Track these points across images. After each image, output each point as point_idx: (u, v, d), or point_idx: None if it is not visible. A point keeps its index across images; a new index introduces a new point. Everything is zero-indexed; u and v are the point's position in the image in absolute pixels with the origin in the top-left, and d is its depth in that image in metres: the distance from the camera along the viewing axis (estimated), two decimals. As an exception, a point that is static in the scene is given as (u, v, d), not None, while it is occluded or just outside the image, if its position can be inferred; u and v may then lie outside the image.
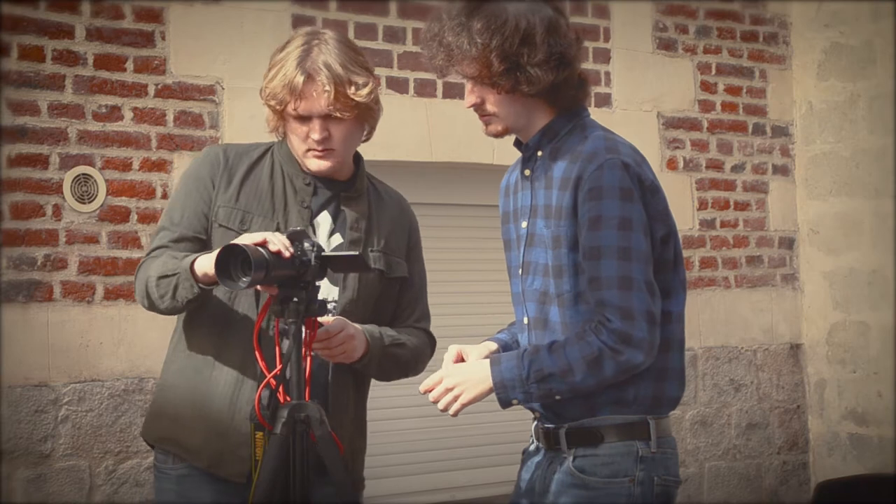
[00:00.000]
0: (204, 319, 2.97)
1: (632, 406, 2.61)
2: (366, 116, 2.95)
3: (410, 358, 3.02)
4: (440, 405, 2.66)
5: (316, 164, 2.93)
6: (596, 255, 2.55)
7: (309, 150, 2.92)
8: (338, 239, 2.98)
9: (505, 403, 2.62)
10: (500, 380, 2.60)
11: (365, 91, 2.88)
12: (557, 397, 2.59)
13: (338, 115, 2.87)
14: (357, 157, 3.07)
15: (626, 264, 2.53)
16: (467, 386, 2.63)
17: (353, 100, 2.87)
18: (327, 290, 2.95)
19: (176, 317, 3.03)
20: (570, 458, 2.61)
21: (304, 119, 2.89)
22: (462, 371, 2.66)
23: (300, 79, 2.85)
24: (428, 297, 3.20)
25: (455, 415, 2.67)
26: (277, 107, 2.90)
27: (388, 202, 3.10)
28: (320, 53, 2.88)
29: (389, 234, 3.05)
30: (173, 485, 2.97)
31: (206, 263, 2.75)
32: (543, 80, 2.60)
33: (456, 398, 2.64)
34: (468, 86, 2.69)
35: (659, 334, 2.56)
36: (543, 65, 2.60)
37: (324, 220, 2.98)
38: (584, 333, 2.54)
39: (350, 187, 3.02)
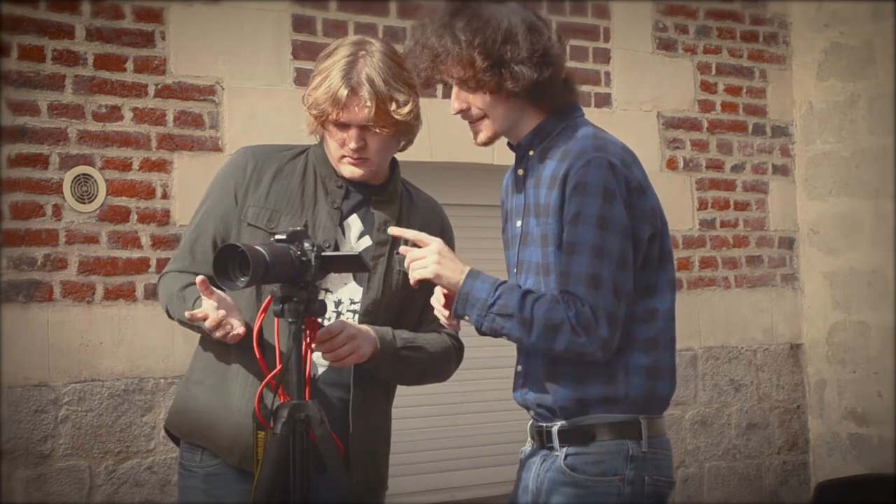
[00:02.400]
0: None
1: (623, 404, 2.62)
2: (404, 132, 2.99)
3: (429, 362, 3.01)
4: (407, 260, 2.68)
5: (349, 170, 2.96)
6: (570, 250, 2.57)
7: (344, 156, 2.95)
8: (367, 241, 2.99)
9: (457, 315, 2.65)
10: (466, 291, 2.62)
11: (405, 109, 2.92)
12: (503, 337, 2.61)
13: (376, 129, 2.91)
14: (393, 163, 3.09)
15: (598, 263, 2.55)
16: (444, 268, 2.64)
17: (392, 117, 2.91)
18: (352, 291, 2.96)
19: None
20: (562, 456, 2.63)
21: (343, 126, 2.92)
22: (451, 257, 2.66)
23: (344, 91, 2.88)
24: None
25: (414, 283, 2.68)
26: (319, 116, 2.92)
27: (420, 205, 3.11)
28: (365, 66, 2.91)
29: None
30: (200, 483, 2.97)
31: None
32: (528, 77, 2.63)
33: (425, 266, 2.65)
34: (454, 91, 2.72)
35: (618, 337, 2.57)
36: (527, 62, 2.63)
37: (354, 223, 3.00)
38: (559, 300, 2.56)
39: (383, 191, 3.04)
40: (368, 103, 2.88)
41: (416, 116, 2.98)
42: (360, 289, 2.97)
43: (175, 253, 3.07)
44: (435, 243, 2.67)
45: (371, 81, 2.89)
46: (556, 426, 2.65)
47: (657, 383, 2.65)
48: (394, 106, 2.91)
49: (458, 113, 2.74)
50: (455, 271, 2.64)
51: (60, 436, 4.45)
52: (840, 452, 6.28)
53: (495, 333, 2.62)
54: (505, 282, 2.64)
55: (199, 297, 2.84)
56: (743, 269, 6.26)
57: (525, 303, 2.57)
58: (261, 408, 2.67)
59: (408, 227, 3.04)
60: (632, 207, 2.60)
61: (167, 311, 2.99)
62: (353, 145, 2.92)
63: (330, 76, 2.92)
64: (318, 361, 2.92)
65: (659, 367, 2.65)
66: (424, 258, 2.66)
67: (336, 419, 2.90)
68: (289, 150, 3.06)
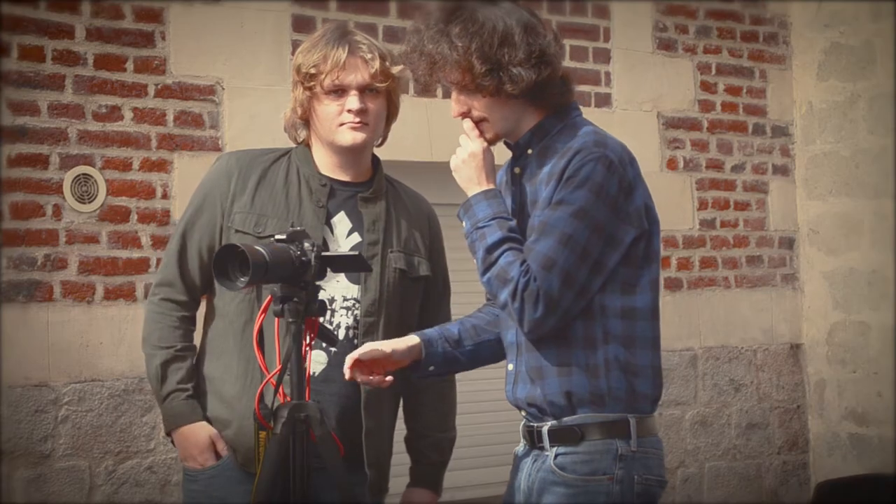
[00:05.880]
0: (221, 320, 3.00)
1: (609, 402, 2.64)
2: (393, 95, 3.04)
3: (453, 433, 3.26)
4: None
5: (351, 136, 2.97)
6: (541, 229, 2.61)
7: (342, 123, 2.96)
8: (356, 238, 3.00)
9: (458, 215, 2.76)
10: (471, 203, 2.71)
11: (398, 66, 2.98)
12: (474, 257, 2.70)
13: (377, 84, 2.95)
14: (375, 159, 3.10)
15: (560, 249, 2.58)
16: (465, 169, 2.74)
17: (390, 72, 2.97)
18: (344, 288, 2.97)
19: (203, 310, 3.13)
20: (552, 456, 2.64)
21: (339, 93, 2.95)
22: (480, 165, 2.73)
23: (342, 50, 2.94)
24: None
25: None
26: (308, 82, 2.93)
27: (407, 202, 3.13)
28: (352, 34, 3.00)
29: (409, 233, 3.07)
30: (202, 486, 2.98)
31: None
32: (526, 79, 2.63)
33: (456, 155, 2.75)
34: (454, 95, 2.73)
35: (554, 324, 2.60)
36: (525, 63, 2.64)
37: (341, 220, 3.01)
38: (522, 261, 2.60)
39: (367, 188, 3.04)
40: (369, 56, 2.94)
41: (401, 78, 3.04)
42: (353, 286, 2.98)
43: (163, 261, 3.09)
44: (477, 145, 2.72)
45: (367, 40, 2.98)
46: (547, 426, 2.67)
47: (635, 380, 2.66)
48: (388, 62, 2.97)
49: (458, 116, 2.75)
50: (470, 180, 2.73)
51: (60, 436, 4.44)
52: (840, 452, 6.28)
53: (471, 250, 2.71)
54: (507, 217, 2.68)
55: (176, 388, 2.97)
56: (743, 269, 6.26)
57: (500, 246, 2.63)
58: (261, 408, 2.68)
59: (397, 224, 3.06)
60: (617, 208, 2.61)
61: (147, 359, 3.03)
62: (355, 107, 2.94)
63: (325, 45, 2.96)
64: (316, 359, 2.92)
65: (637, 364, 2.66)
66: (461, 148, 2.74)
67: (344, 418, 2.91)
68: (271, 153, 3.08)
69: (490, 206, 2.68)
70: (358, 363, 2.73)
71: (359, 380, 2.75)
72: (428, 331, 2.86)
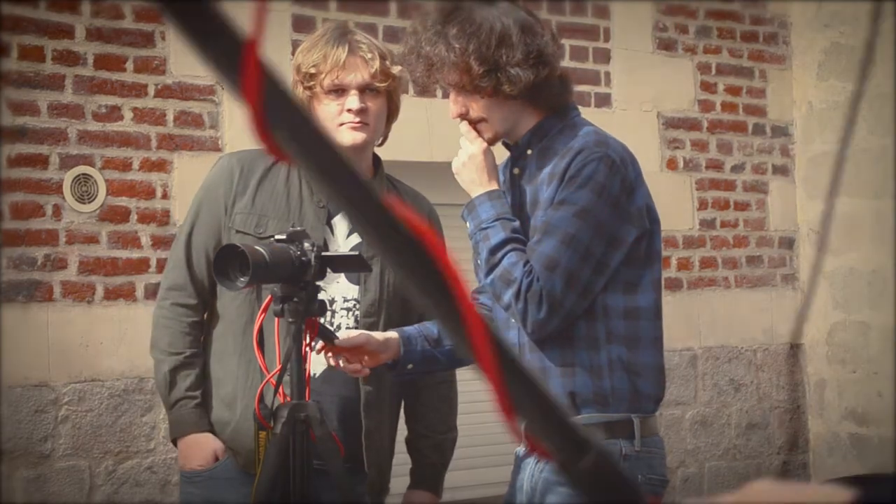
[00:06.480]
0: (223, 322, 3.00)
1: (612, 402, 2.64)
2: (393, 95, 3.03)
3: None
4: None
5: (351, 136, 2.96)
6: (543, 229, 2.61)
7: (342, 123, 2.95)
8: (356, 238, 3.00)
9: (461, 215, 2.76)
10: (475, 204, 2.70)
11: (398, 67, 2.97)
12: (478, 257, 2.69)
13: (377, 84, 2.95)
14: (376, 159, 3.10)
15: (563, 249, 2.58)
16: (466, 172, 2.73)
17: (391, 71, 2.96)
18: (344, 289, 2.97)
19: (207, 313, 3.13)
20: None
21: (339, 92, 2.94)
22: (481, 166, 2.71)
23: (342, 49, 2.94)
24: None
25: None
26: (308, 82, 2.94)
27: (406, 199, 3.12)
28: (351, 32, 3.00)
29: None
30: (198, 489, 2.98)
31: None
32: (524, 80, 2.63)
33: (458, 158, 2.74)
34: (452, 96, 2.73)
35: (558, 325, 2.60)
36: (523, 64, 2.63)
37: (341, 221, 3.01)
38: (525, 262, 2.60)
39: None
40: (369, 56, 2.93)
41: (402, 78, 3.03)
42: (353, 287, 2.98)
43: (169, 265, 3.08)
44: (477, 146, 2.71)
45: (368, 40, 2.98)
46: None
47: (639, 380, 2.66)
48: (388, 62, 2.97)
49: (457, 117, 2.75)
50: (473, 182, 2.72)
51: (60, 436, 4.44)
52: (840, 452, 6.28)
53: (475, 251, 2.71)
54: (511, 218, 2.67)
55: (184, 395, 2.97)
56: (743, 269, 6.26)
57: (503, 246, 2.63)
58: (261, 408, 2.68)
59: None
60: (619, 208, 2.61)
61: (156, 364, 3.04)
62: (355, 106, 2.93)
63: (325, 44, 2.95)
64: (317, 360, 2.92)
65: (640, 364, 2.67)
66: (462, 150, 2.73)
67: (344, 418, 2.92)
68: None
69: (493, 207, 2.69)
70: (336, 349, 2.73)
71: (340, 365, 2.75)
72: (407, 328, 2.86)
